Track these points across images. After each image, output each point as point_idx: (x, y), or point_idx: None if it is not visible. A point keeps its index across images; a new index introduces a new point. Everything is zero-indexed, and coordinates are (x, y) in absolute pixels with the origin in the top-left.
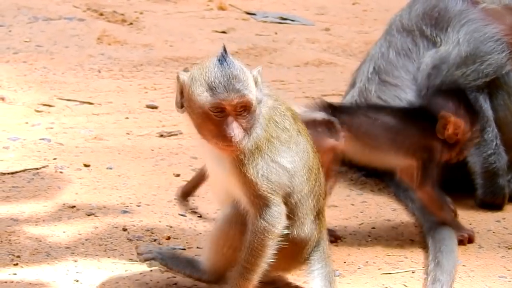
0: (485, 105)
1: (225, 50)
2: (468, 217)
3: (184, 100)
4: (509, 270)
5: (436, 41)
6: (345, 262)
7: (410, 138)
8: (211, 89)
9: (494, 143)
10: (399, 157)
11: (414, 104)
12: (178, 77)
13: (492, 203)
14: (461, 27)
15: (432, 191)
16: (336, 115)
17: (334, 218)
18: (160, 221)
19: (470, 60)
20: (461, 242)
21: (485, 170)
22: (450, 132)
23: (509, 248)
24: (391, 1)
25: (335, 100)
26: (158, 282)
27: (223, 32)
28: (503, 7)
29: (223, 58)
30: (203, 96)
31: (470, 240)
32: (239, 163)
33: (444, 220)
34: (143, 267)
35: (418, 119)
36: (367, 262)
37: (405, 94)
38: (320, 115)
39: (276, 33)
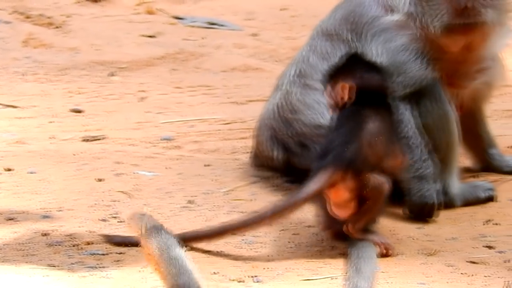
0: (406, 112)
1: None
2: (389, 224)
3: None
4: (428, 277)
5: (352, 46)
6: (264, 268)
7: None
8: None
9: (419, 149)
10: None
11: None
12: None
13: (421, 212)
14: (374, 36)
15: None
16: None
17: None
18: (80, 226)
19: (389, 72)
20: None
21: (412, 176)
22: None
23: (429, 255)
24: (319, 6)
25: (261, 105)
26: None
27: (150, 36)
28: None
29: None
30: None
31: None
32: None
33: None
34: (62, 273)
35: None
36: (287, 268)
37: (324, 99)
38: None
39: (203, 38)
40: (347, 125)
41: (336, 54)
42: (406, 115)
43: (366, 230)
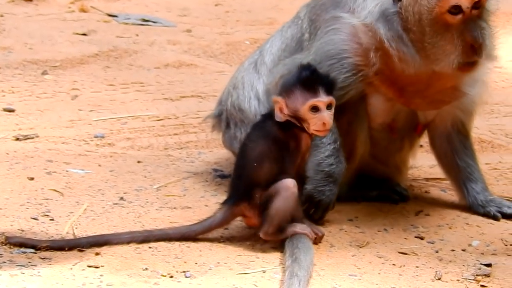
0: None
1: None
2: None
3: None
4: (359, 269)
5: (305, 38)
6: (196, 263)
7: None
8: None
9: (332, 147)
10: None
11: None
12: None
13: (316, 208)
14: (323, 35)
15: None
16: None
17: (187, 219)
18: (12, 225)
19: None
20: (313, 242)
21: (319, 171)
22: (281, 112)
23: (360, 247)
24: (254, 2)
25: (194, 100)
26: (6, 286)
27: (84, 34)
28: (368, 25)
29: None
30: None
31: (318, 238)
32: None
33: (298, 217)
34: None
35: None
36: (218, 262)
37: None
38: None
39: (137, 35)
40: (239, 155)
41: (293, 43)
42: None
43: (283, 229)
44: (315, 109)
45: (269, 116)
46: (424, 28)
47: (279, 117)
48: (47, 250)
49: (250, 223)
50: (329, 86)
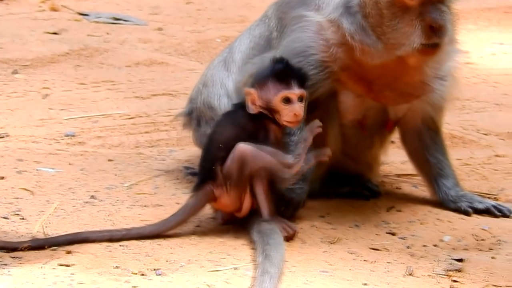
0: None
1: None
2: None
3: None
4: (330, 265)
5: (273, 36)
6: (167, 261)
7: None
8: None
9: (302, 145)
10: None
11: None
12: None
13: (287, 206)
14: (290, 33)
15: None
16: None
17: (159, 217)
18: None
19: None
20: (286, 238)
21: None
22: (252, 103)
23: (331, 243)
24: (225, 0)
25: (165, 98)
26: None
27: (55, 33)
28: (332, 21)
29: None
30: None
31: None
32: None
33: (269, 214)
34: None
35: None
36: (189, 260)
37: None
38: None
39: (108, 34)
40: (207, 141)
41: (262, 41)
42: None
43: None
44: (287, 100)
45: (240, 106)
46: (382, 11)
47: (251, 108)
48: (27, 250)
49: (222, 206)
50: (301, 79)
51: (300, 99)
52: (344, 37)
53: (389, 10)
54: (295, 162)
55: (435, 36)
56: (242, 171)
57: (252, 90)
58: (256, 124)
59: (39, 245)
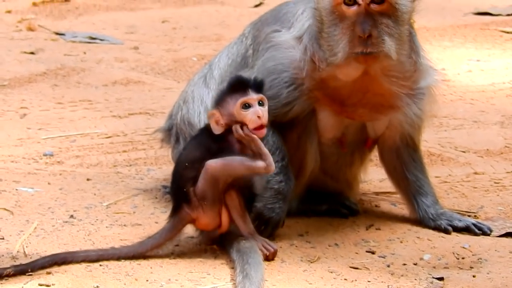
0: (269, 132)
1: None
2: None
3: None
4: (311, 284)
5: (249, 54)
6: (147, 280)
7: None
8: None
9: (280, 164)
10: None
11: None
12: None
13: (266, 225)
14: (264, 52)
15: (240, 199)
16: None
17: (137, 236)
18: None
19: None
20: (266, 258)
21: (268, 188)
22: (216, 124)
23: (311, 262)
24: (201, 18)
25: (143, 117)
26: None
27: (32, 53)
28: (299, 38)
29: None
30: None
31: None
32: None
33: (248, 232)
34: None
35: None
36: (169, 279)
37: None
38: None
39: (85, 53)
40: (175, 165)
41: (239, 59)
42: (269, 135)
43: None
44: (247, 106)
45: (205, 129)
46: (323, 19)
47: (216, 129)
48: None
49: (202, 225)
50: (257, 85)
51: (260, 103)
52: (307, 54)
53: (328, 18)
54: (265, 161)
55: (362, 46)
56: (216, 187)
57: (214, 111)
58: (220, 143)
59: (21, 270)
